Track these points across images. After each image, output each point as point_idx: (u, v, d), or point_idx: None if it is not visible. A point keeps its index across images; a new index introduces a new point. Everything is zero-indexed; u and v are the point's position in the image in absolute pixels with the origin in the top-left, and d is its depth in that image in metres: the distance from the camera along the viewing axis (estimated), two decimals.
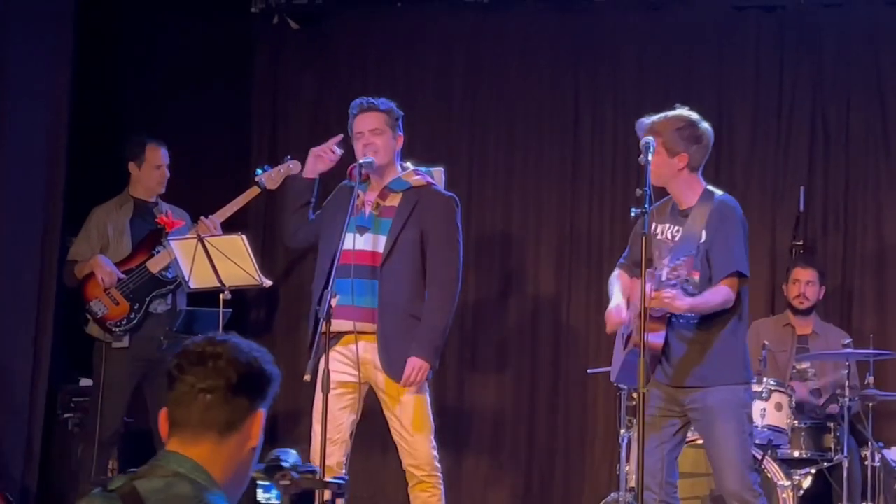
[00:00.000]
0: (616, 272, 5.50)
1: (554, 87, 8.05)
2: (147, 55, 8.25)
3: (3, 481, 6.34)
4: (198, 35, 8.22)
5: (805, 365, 7.07)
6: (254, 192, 6.67)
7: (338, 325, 5.32)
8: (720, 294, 5.02)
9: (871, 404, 6.68)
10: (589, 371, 7.31)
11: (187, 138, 7.76)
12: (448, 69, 8.21)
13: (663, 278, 4.76)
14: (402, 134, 5.60)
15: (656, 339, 5.02)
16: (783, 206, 7.67)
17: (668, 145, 5.10)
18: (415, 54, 8.26)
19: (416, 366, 5.32)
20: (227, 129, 8.34)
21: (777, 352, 7.01)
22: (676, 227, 5.17)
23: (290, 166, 6.63)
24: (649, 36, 7.94)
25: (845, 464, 6.56)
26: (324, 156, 5.68)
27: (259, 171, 6.66)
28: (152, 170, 6.86)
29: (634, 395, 6.51)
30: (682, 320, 5.09)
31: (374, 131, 5.50)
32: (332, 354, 5.36)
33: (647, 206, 4.84)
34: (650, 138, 5.04)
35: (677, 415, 5.18)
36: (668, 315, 5.04)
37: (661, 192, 7.36)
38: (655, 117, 5.18)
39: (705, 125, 5.23)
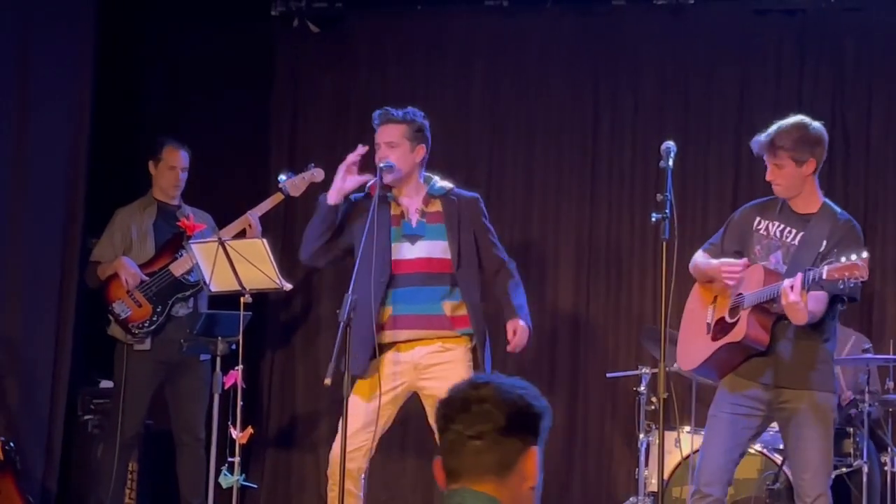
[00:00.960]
0: (700, 254, 5.36)
1: (573, 91, 8.04)
2: (168, 59, 8.28)
3: (23, 482, 6.36)
4: (219, 39, 8.25)
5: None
6: (278, 198, 6.68)
7: (397, 335, 5.38)
8: (822, 303, 4.98)
9: (891, 409, 6.67)
10: (608, 376, 7.31)
11: (207, 141, 7.78)
12: (468, 73, 8.21)
13: (824, 276, 4.68)
14: (425, 144, 5.57)
15: (766, 334, 4.99)
16: None
17: (796, 156, 5.06)
18: (434, 58, 8.26)
19: (521, 327, 5.62)
20: (247, 131, 8.36)
21: None
22: (790, 229, 5.12)
23: (314, 174, 6.63)
24: (669, 40, 7.93)
25: (865, 469, 6.54)
26: (352, 167, 5.58)
27: (283, 177, 6.67)
28: (167, 170, 6.88)
29: (654, 399, 6.52)
30: (791, 323, 5.02)
31: (389, 144, 5.49)
32: (381, 360, 5.39)
33: (667, 211, 4.83)
34: (671, 143, 5.03)
35: (761, 414, 5.14)
36: (781, 315, 4.98)
37: (682, 198, 7.38)
38: (773, 131, 5.10)
39: (818, 124, 5.19)
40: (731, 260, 5.11)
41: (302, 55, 8.42)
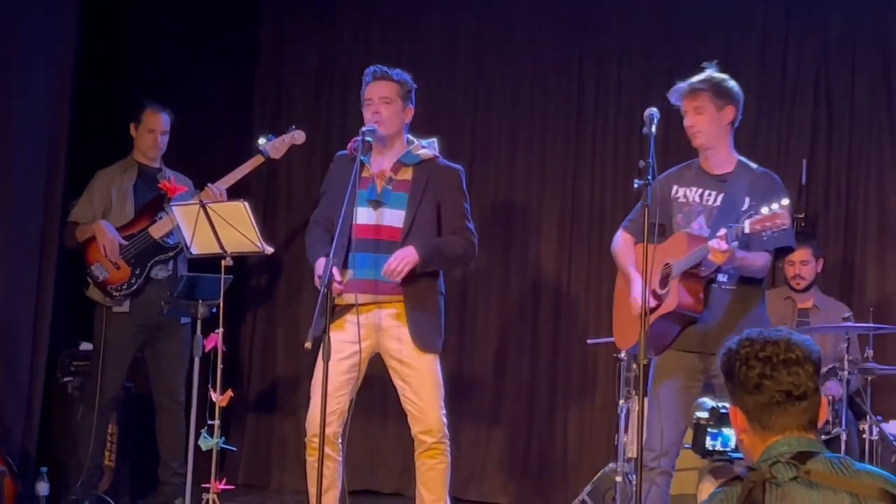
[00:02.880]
0: (621, 237, 5.43)
1: (559, 55, 8.03)
2: (153, 23, 8.24)
3: (2, 445, 6.35)
4: (204, 2, 8.20)
5: None
6: (258, 160, 6.67)
7: (356, 298, 5.33)
8: (762, 259, 5.01)
9: (869, 378, 6.70)
10: (589, 342, 7.33)
11: (191, 105, 7.76)
12: (453, 39, 8.19)
13: (746, 230, 4.68)
14: (412, 107, 5.58)
15: (699, 300, 4.99)
16: (785, 179, 7.61)
17: (715, 99, 5.11)
18: (420, 24, 8.23)
19: (406, 255, 5.32)
20: (230, 96, 8.34)
21: (777, 325, 7.02)
22: (709, 192, 5.14)
23: (295, 136, 6.62)
24: (655, 5, 7.91)
25: (843, 437, 6.57)
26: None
27: (263, 140, 6.66)
28: (146, 133, 6.86)
29: (634, 365, 6.54)
30: (720, 285, 5.04)
31: (383, 99, 5.48)
32: (341, 323, 5.37)
33: (650, 177, 4.82)
34: (654, 110, 5.01)
35: (699, 384, 5.15)
36: (711, 277, 5.00)
37: (664, 165, 7.37)
38: (693, 79, 5.17)
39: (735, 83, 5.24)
40: (633, 300, 5.08)
41: (287, 20, 8.38)
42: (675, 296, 4.98)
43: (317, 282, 5.20)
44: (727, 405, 3.29)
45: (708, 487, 6.29)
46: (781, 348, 2.70)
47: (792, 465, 2.63)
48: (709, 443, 3.17)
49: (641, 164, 4.90)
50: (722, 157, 5.20)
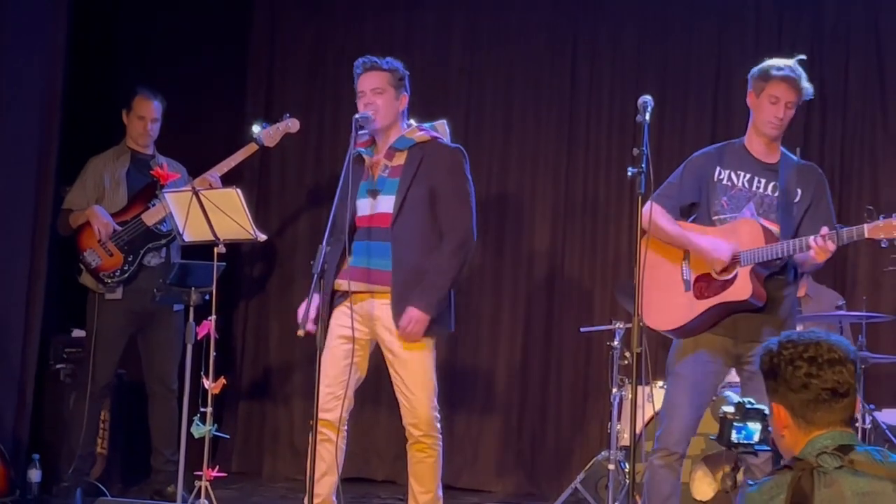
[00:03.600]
0: (658, 209, 5.19)
1: (552, 41, 8.02)
2: (145, 7, 8.21)
3: None
4: None
5: (798, 327, 7.10)
6: (252, 148, 6.64)
7: (351, 286, 5.31)
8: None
9: (863, 367, 6.70)
10: (582, 330, 7.32)
11: (184, 91, 7.74)
12: (447, 24, 8.17)
13: (866, 235, 4.70)
14: (406, 94, 5.52)
15: (763, 293, 4.97)
16: None
17: (799, 99, 5.12)
18: (412, 10, 8.21)
19: (413, 317, 5.26)
20: (223, 82, 8.32)
21: None
22: (760, 179, 5.10)
23: (289, 124, 6.60)
24: None
25: None
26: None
27: (257, 127, 6.63)
28: (136, 120, 6.84)
29: (627, 354, 6.52)
30: (772, 276, 5.04)
31: (375, 90, 5.43)
32: (341, 310, 5.35)
33: (644, 165, 4.80)
34: (648, 97, 4.98)
35: (725, 369, 5.14)
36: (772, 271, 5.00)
37: (658, 153, 7.37)
38: (803, 74, 5.13)
39: None
40: (710, 245, 5.03)
41: (280, 5, 8.36)
42: (749, 285, 4.94)
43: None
44: (752, 401, 3.49)
45: (701, 476, 6.31)
46: (824, 349, 2.89)
47: (836, 455, 2.81)
48: (734, 436, 3.41)
49: (635, 151, 4.88)
50: (773, 147, 5.18)
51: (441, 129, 5.60)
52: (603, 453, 6.81)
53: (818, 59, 7.64)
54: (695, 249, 5.09)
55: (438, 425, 5.43)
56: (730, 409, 3.48)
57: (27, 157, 6.69)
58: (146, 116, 6.83)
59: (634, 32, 7.90)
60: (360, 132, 5.39)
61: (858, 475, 2.79)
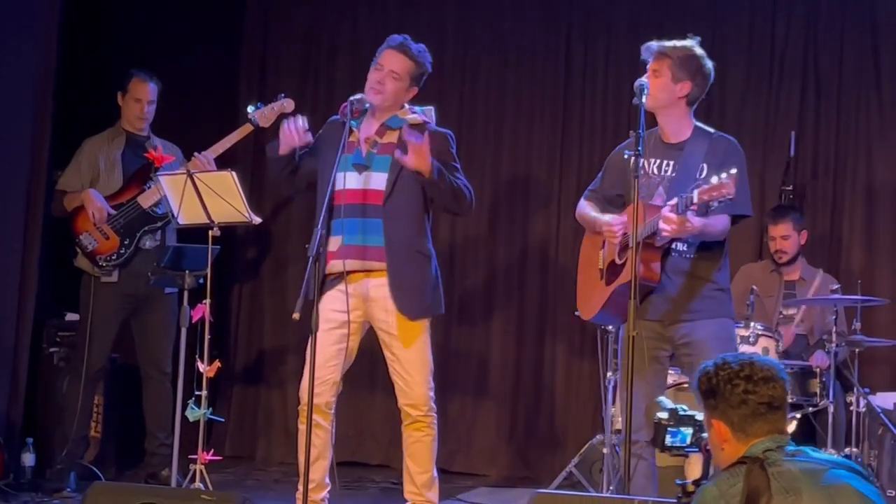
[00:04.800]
0: (584, 202, 5.35)
1: (546, 28, 8.01)
2: None
3: None
4: None
5: (792, 311, 7.11)
6: (246, 129, 6.60)
7: (346, 265, 5.30)
8: (721, 222, 4.96)
9: (857, 350, 6.71)
10: (576, 313, 7.30)
11: (178, 72, 7.71)
12: (440, 12, 8.15)
13: (695, 200, 4.66)
14: (417, 89, 5.50)
15: (655, 270, 4.95)
16: (773, 151, 7.66)
17: (674, 70, 5.02)
18: None
19: (425, 150, 5.21)
20: (217, 64, 8.30)
21: (764, 297, 7.03)
22: (667, 162, 5.07)
23: (284, 104, 6.56)
24: None
25: (831, 409, 6.60)
26: (292, 135, 5.43)
27: (252, 108, 6.59)
28: (132, 102, 6.81)
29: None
30: (679, 254, 5.00)
31: (392, 73, 5.38)
32: (332, 293, 5.34)
33: (639, 148, 4.79)
34: (644, 80, 4.98)
35: (667, 351, 5.12)
36: (667, 246, 4.97)
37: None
38: (666, 42, 5.08)
39: (710, 64, 5.15)
40: (609, 218, 5.09)
41: None
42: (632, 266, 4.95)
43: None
44: (685, 407, 3.80)
45: (696, 459, 6.31)
46: (758, 368, 3.17)
47: (779, 450, 3.11)
48: (669, 440, 3.70)
49: (631, 134, 4.89)
50: (677, 125, 5.11)
51: (429, 114, 5.59)
52: (597, 437, 6.82)
53: (813, 43, 7.65)
54: (598, 226, 5.17)
55: (434, 405, 5.44)
56: (664, 415, 3.71)
57: (20, 141, 6.66)
58: (143, 98, 6.80)
59: (627, 18, 7.87)
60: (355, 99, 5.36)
61: (803, 459, 3.09)
